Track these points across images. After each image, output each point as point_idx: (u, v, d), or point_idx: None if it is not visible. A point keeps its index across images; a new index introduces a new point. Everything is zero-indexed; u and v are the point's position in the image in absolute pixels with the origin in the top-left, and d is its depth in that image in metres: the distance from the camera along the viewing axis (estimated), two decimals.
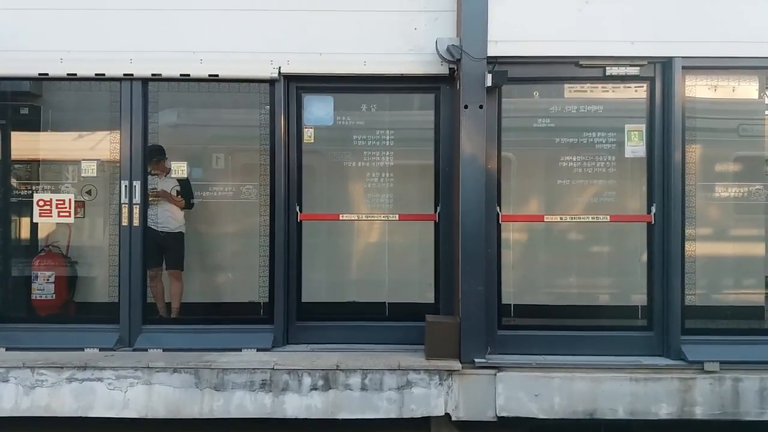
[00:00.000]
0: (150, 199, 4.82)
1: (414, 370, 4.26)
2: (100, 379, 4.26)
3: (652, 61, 4.56)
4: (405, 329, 4.75)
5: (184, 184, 4.93)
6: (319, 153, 4.99)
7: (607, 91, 4.68)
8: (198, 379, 4.25)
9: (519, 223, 4.74)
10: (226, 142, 5.14)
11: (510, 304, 4.66)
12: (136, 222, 4.72)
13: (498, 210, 4.59)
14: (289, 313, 4.80)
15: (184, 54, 4.65)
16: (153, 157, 4.84)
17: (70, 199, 4.83)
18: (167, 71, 4.67)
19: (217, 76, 4.67)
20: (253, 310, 4.83)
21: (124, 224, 4.72)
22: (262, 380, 4.25)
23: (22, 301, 4.95)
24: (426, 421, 4.38)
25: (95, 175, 4.86)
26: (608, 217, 4.66)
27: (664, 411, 4.22)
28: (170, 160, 4.91)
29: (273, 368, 4.26)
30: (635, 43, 4.50)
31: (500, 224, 4.61)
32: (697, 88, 4.61)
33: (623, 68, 4.57)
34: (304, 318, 4.85)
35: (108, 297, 4.78)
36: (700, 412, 4.23)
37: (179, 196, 4.92)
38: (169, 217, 4.92)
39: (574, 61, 4.57)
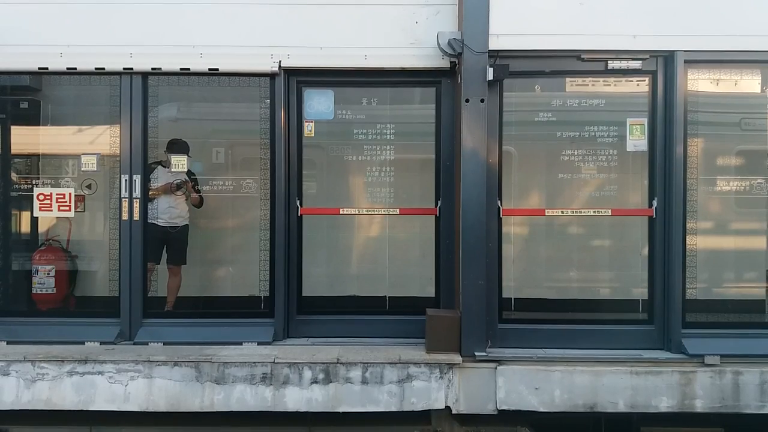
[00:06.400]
0: (173, 193, 4.84)
1: (414, 363, 4.27)
2: (100, 373, 4.27)
3: (654, 54, 4.55)
4: (406, 323, 4.75)
5: (193, 181, 4.94)
6: (319, 147, 4.98)
7: (609, 84, 4.67)
8: (199, 373, 4.25)
9: (520, 217, 4.73)
10: (226, 136, 5.13)
11: (511, 298, 4.65)
12: (136, 216, 4.71)
13: (499, 204, 4.58)
14: (290, 306, 4.80)
15: (184, 48, 4.63)
16: (179, 151, 4.82)
17: (70, 194, 4.82)
18: (167, 65, 4.65)
19: (217, 70, 4.66)
20: (254, 303, 4.83)
21: (124, 218, 4.71)
22: (263, 374, 4.25)
23: (23, 295, 4.95)
24: (426, 414, 4.39)
25: (95, 169, 4.85)
26: (609, 210, 4.65)
27: (665, 404, 4.23)
28: (170, 154, 4.89)
29: (274, 362, 4.26)
30: (637, 36, 4.48)
31: (501, 218, 4.60)
32: (700, 82, 4.60)
33: (625, 62, 4.56)
34: (305, 312, 4.85)
35: (108, 291, 4.78)
36: (700, 405, 4.24)
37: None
38: (175, 212, 4.90)
39: (575, 54, 4.55)
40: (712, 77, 4.63)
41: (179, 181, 4.87)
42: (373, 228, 5.01)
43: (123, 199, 4.72)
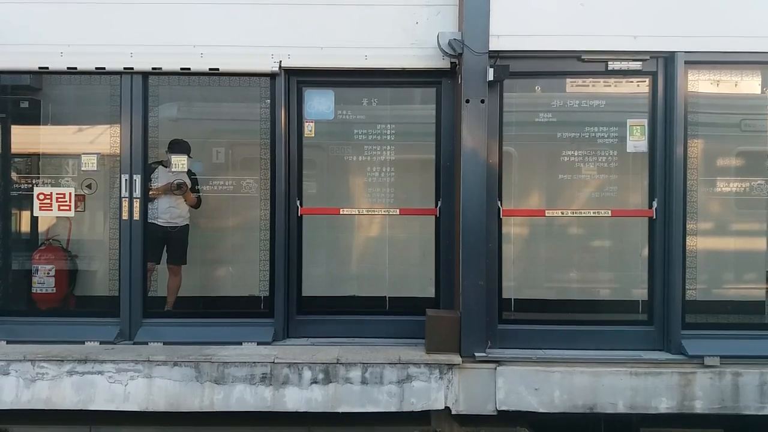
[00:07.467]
0: (173, 192, 4.84)
1: (414, 363, 4.27)
2: (100, 372, 4.27)
3: (654, 55, 4.55)
4: (405, 323, 4.75)
5: (193, 181, 4.94)
6: (319, 147, 4.98)
7: (609, 85, 4.67)
8: (198, 373, 4.25)
9: (520, 217, 4.73)
10: (226, 136, 5.14)
11: (510, 299, 4.65)
12: (136, 216, 4.71)
13: (499, 204, 4.58)
14: (290, 306, 4.80)
15: (185, 48, 4.63)
16: (180, 151, 4.82)
17: (70, 193, 4.82)
18: (167, 65, 4.65)
19: (218, 70, 4.66)
20: (254, 303, 4.83)
21: (124, 218, 4.71)
22: (263, 374, 4.25)
23: (23, 294, 4.95)
24: (426, 414, 4.39)
25: (95, 168, 4.84)
26: (609, 211, 4.65)
27: (664, 405, 4.23)
28: (171, 154, 4.89)
29: (273, 362, 4.26)
30: (638, 37, 4.48)
31: (501, 219, 4.60)
32: (700, 83, 4.60)
33: (625, 63, 4.56)
34: (305, 312, 4.85)
35: (108, 290, 4.78)
36: (699, 406, 4.24)
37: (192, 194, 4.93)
38: (175, 212, 4.90)
39: (576, 55, 4.55)
40: (713, 78, 4.63)
41: (179, 180, 4.87)
42: (373, 228, 5.01)
43: (123, 199, 4.72)
